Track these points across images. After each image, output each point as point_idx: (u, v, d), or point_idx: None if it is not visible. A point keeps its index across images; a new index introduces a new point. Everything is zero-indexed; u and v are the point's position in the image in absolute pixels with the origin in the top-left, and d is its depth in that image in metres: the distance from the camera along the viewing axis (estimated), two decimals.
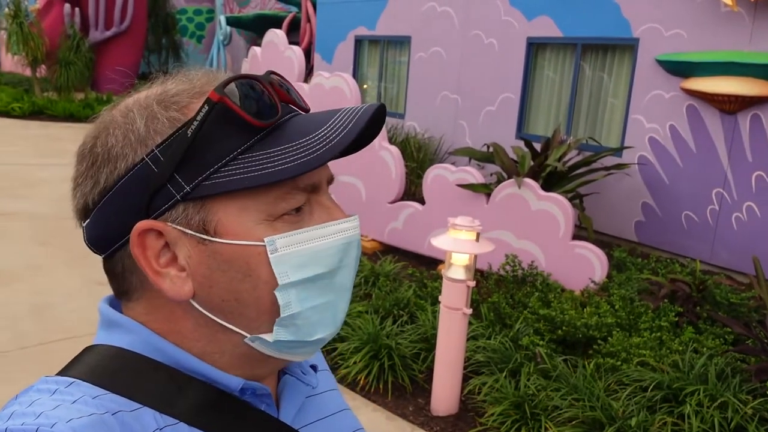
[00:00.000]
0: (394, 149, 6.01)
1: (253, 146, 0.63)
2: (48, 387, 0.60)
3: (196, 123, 0.61)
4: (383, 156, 5.99)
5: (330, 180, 0.71)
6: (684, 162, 6.52)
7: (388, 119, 9.70)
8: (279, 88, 0.67)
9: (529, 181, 5.31)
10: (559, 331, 4.07)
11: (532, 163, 6.25)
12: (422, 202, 5.99)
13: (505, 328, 4.27)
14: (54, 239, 6.31)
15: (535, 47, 7.93)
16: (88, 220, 0.67)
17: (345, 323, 4.18)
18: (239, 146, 0.62)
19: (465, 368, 3.75)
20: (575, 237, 5.26)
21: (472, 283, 3.41)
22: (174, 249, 0.64)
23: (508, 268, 5.15)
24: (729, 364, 3.59)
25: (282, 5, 18.96)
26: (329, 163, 0.68)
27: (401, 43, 9.90)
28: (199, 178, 0.62)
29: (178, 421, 0.63)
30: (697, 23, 6.27)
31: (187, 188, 0.62)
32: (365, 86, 10.80)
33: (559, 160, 6.08)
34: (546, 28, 7.68)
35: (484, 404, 3.58)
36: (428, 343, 4.04)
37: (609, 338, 3.97)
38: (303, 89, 6.31)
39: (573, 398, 3.36)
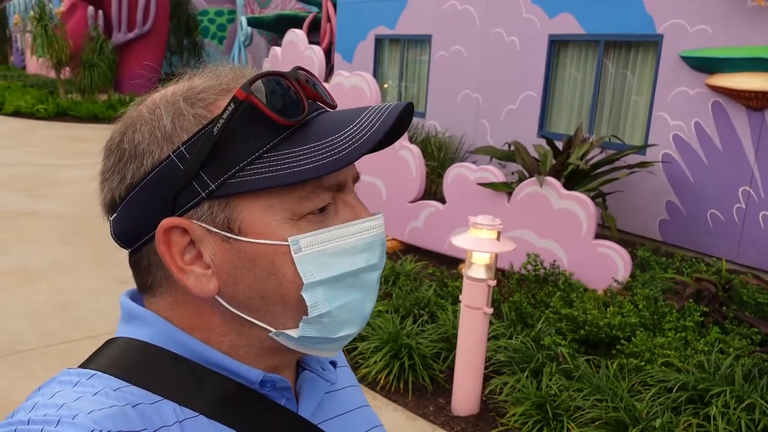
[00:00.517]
0: (415, 148, 5.99)
1: (279, 144, 0.62)
2: (70, 379, 0.61)
3: (222, 121, 0.61)
4: (404, 155, 5.98)
5: (356, 178, 0.71)
6: (709, 160, 6.42)
7: None
8: (305, 85, 0.66)
9: (550, 179, 5.26)
10: (582, 331, 4.02)
11: (553, 161, 6.18)
12: (443, 201, 5.96)
13: (527, 327, 4.22)
14: (77, 239, 6.38)
15: (557, 45, 7.86)
16: (115, 215, 0.67)
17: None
18: (265, 144, 0.62)
19: (486, 368, 3.72)
20: (598, 236, 5.19)
21: (493, 283, 3.37)
22: (199, 246, 0.65)
23: (529, 267, 5.11)
24: (756, 364, 3.52)
25: (302, 5, 19.03)
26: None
27: (422, 41, 9.87)
28: (225, 176, 0.62)
29: (197, 413, 0.63)
30: (723, 18, 6.17)
31: (213, 186, 0.62)
32: (386, 85, 10.78)
33: (582, 158, 6.01)
34: (568, 25, 7.60)
35: (506, 404, 3.54)
36: (449, 342, 4.02)
37: (632, 338, 3.91)
38: None
39: (596, 399, 3.31)
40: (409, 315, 4.41)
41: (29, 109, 14.75)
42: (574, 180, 6.00)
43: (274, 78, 0.64)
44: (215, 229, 0.63)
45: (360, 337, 4.08)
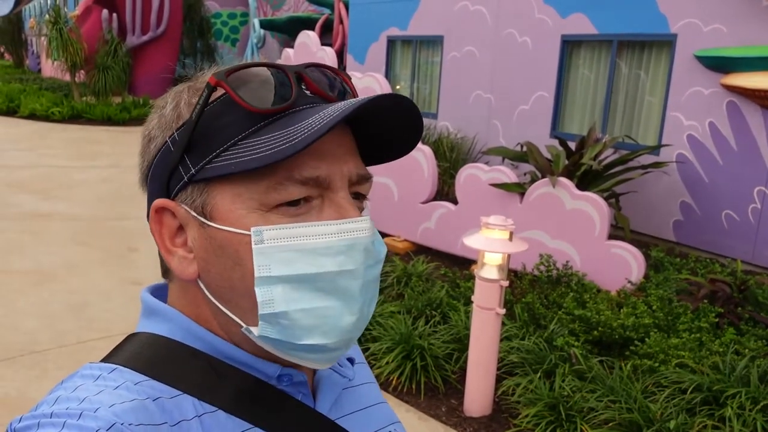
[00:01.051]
0: (427, 149, 5.98)
1: (255, 133, 0.63)
2: (92, 373, 0.62)
3: (198, 106, 0.63)
4: (415, 156, 5.97)
5: (357, 179, 0.67)
6: (724, 160, 6.36)
7: None
8: (309, 79, 0.66)
9: (563, 180, 5.23)
10: (595, 332, 3.99)
11: (566, 162, 6.15)
12: (455, 202, 5.95)
13: (540, 328, 4.21)
14: (91, 239, 6.43)
15: (570, 45, 7.82)
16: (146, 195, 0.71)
17: (377, 323, 4.17)
18: (241, 132, 0.63)
19: (499, 369, 3.71)
20: (612, 237, 5.16)
21: (506, 283, 3.36)
22: (186, 230, 0.67)
23: (542, 268, 5.08)
24: None
25: (315, 7, 19.08)
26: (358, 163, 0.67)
27: (434, 42, 9.87)
28: (203, 162, 0.63)
29: (216, 408, 0.64)
30: (738, 18, 6.11)
31: (193, 170, 0.64)
32: (398, 87, 10.78)
33: (595, 158, 5.98)
34: (581, 25, 7.57)
35: (518, 405, 3.53)
36: (461, 343, 4.01)
37: (646, 339, 3.88)
38: None
39: (609, 400, 3.29)
40: (422, 316, 4.40)
41: (44, 111, 14.89)
42: (587, 180, 5.96)
43: (259, 69, 0.64)
44: (193, 213, 0.65)
45: (372, 338, 4.08)
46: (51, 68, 19.62)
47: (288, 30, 19.21)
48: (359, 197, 0.69)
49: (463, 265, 5.81)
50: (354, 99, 0.64)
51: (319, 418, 0.70)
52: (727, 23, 6.20)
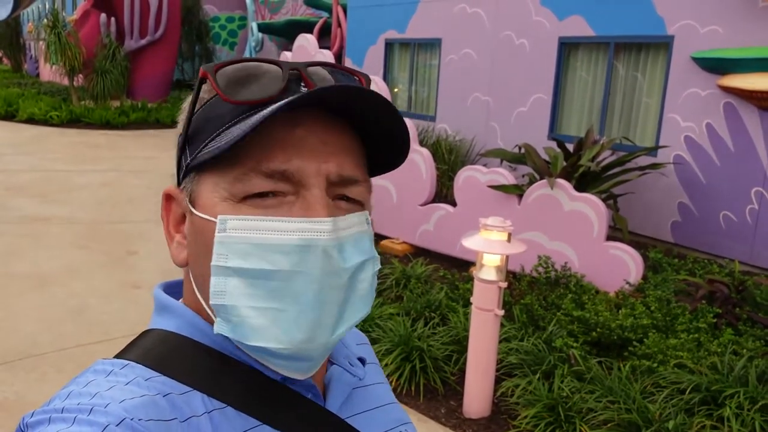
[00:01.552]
0: (425, 151, 6.00)
1: (235, 123, 0.63)
2: (104, 368, 0.63)
3: (193, 98, 0.66)
4: (414, 158, 5.99)
5: (338, 179, 0.65)
6: (721, 161, 6.38)
7: (418, 122, 9.69)
8: (307, 76, 0.65)
9: (561, 181, 5.25)
10: (594, 333, 4.00)
11: (564, 163, 6.17)
12: (454, 204, 5.97)
13: (538, 330, 4.22)
14: (91, 243, 6.44)
15: (567, 47, 7.85)
16: None
17: (376, 325, 4.18)
18: (225, 123, 0.64)
19: (498, 370, 3.72)
20: (610, 238, 5.17)
21: (504, 284, 3.37)
22: (186, 217, 0.69)
23: (540, 269, 5.10)
24: None
25: (313, 11, 19.09)
26: (351, 165, 0.66)
27: (432, 45, 9.89)
28: (196, 151, 0.65)
29: (225, 405, 0.64)
30: (734, 19, 6.14)
31: (188, 159, 0.67)
32: (396, 89, 10.80)
33: (593, 160, 6.00)
34: (578, 27, 7.59)
35: (517, 407, 3.54)
36: (460, 345, 4.02)
37: (645, 340, 3.90)
38: None
39: (608, 401, 3.30)
40: (420, 317, 4.41)
41: (43, 116, 14.89)
42: (585, 182, 5.98)
43: (248, 63, 0.65)
44: (186, 201, 0.67)
45: (371, 340, 4.08)
46: (49, 72, 19.63)
47: (286, 33, 19.23)
48: (348, 200, 0.66)
49: (462, 267, 5.83)
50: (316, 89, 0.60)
51: (329, 417, 0.70)
52: (724, 25, 6.22)
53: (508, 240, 3.37)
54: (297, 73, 0.65)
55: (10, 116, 15.47)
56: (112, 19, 16.94)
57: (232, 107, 0.64)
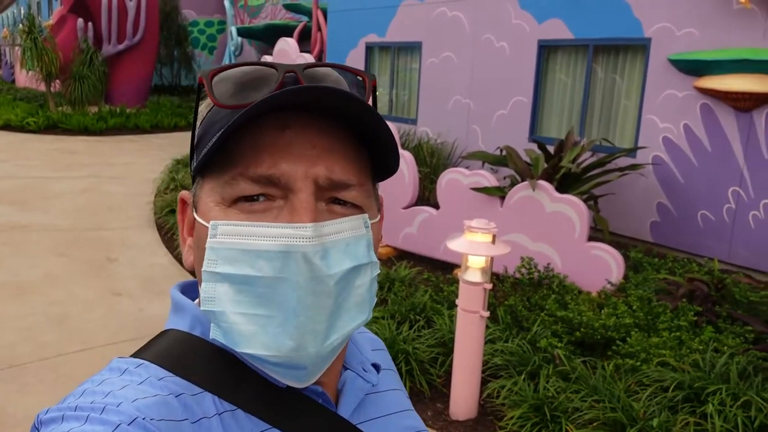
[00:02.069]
0: (407, 154, 6.01)
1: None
2: (119, 366, 0.64)
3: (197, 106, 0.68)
4: None
5: (328, 183, 0.63)
6: (699, 161, 6.47)
7: (400, 125, 9.72)
8: (302, 79, 0.65)
9: (543, 183, 5.29)
10: (577, 333, 4.04)
11: (545, 165, 6.22)
12: (436, 207, 5.98)
13: (523, 330, 4.24)
14: (71, 251, 6.36)
15: (547, 50, 7.91)
16: None
17: None
18: (222, 128, 0.63)
19: (483, 372, 3.73)
20: (591, 239, 5.22)
21: (489, 286, 3.39)
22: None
23: (523, 270, 5.13)
24: (751, 362, 3.55)
25: (292, 15, 19.07)
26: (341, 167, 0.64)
27: (412, 48, 9.92)
28: (200, 157, 0.65)
29: (236, 407, 0.64)
30: (710, 21, 6.23)
31: (195, 164, 0.67)
32: (377, 93, 10.80)
33: (573, 161, 6.05)
34: (557, 30, 7.66)
35: (504, 408, 3.55)
36: (445, 347, 4.03)
37: (628, 339, 3.94)
38: None
39: (593, 400, 3.33)
40: (405, 320, 4.42)
41: (19, 122, 14.69)
42: (566, 183, 6.03)
43: (244, 67, 0.65)
44: (191, 205, 0.69)
45: None
46: (25, 78, 19.39)
47: (265, 37, 19.18)
48: (342, 203, 0.65)
49: (446, 269, 5.84)
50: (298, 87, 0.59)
51: (340, 422, 0.69)
52: (700, 27, 6.32)
53: (493, 242, 3.39)
54: (293, 76, 0.65)
55: None
56: (89, 24, 16.78)
57: (228, 112, 0.64)
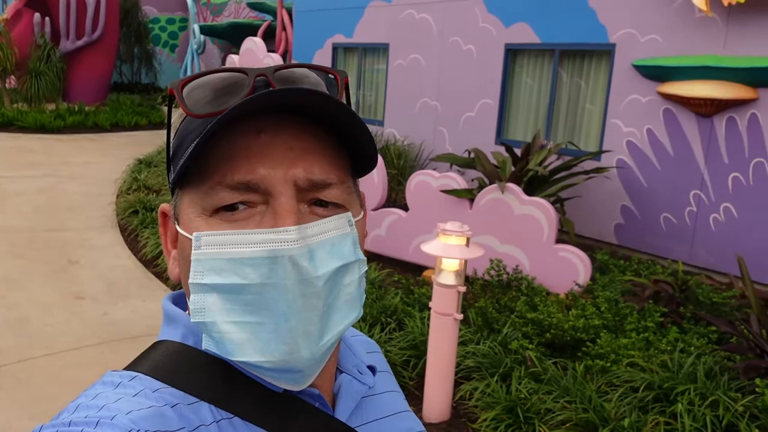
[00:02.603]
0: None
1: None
2: (113, 380, 0.64)
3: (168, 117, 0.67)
4: None
5: (308, 184, 0.63)
6: (662, 165, 6.61)
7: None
8: (272, 81, 0.64)
9: (512, 185, 5.33)
10: (548, 335, 4.07)
11: (513, 168, 6.27)
12: (404, 208, 5.98)
13: (493, 332, 4.26)
14: (29, 252, 6.17)
15: (514, 53, 7.99)
16: None
17: None
18: (196, 137, 0.63)
19: (456, 374, 3.74)
20: (558, 241, 5.28)
21: (463, 289, 3.39)
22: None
23: (493, 272, 5.16)
24: (717, 362, 3.63)
25: (256, 14, 18.90)
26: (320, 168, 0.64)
27: (379, 50, 9.91)
28: (176, 167, 0.65)
29: (233, 415, 0.64)
30: (673, 28, 6.37)
31: (173, 175, 0.66)
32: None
33: (540, 164, 6.12)
34: (524, 34, 7.74)
35: (476, 409, 3.56)
36: (417, 349, 4.02)
37: (597, 340, 3.99)
38: None
39: (565, 401, 3.36)
40: (377, 323, 4.40)
41: None
42: (533, 186, 6.09)
43: (213, 75, 0.64)
44: (172, 217, 0.68)
45: None
46: None
47: (229, 36, 18.97)
48: (324, 204, 0.64)
49: (416, 271, 5.84)
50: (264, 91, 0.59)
51: (337, 426, 0.69)
52: (663, 34, 6.45)
53: (467, 244, 3.40)
54: (264, 79, 0.64)
55: None
56: (47, 19, 16.33)
57: (201, 121, 0.64)
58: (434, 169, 6.30)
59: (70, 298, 5.11)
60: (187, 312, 0.71)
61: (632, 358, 3.70)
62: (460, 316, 3.41)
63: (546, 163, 6.62)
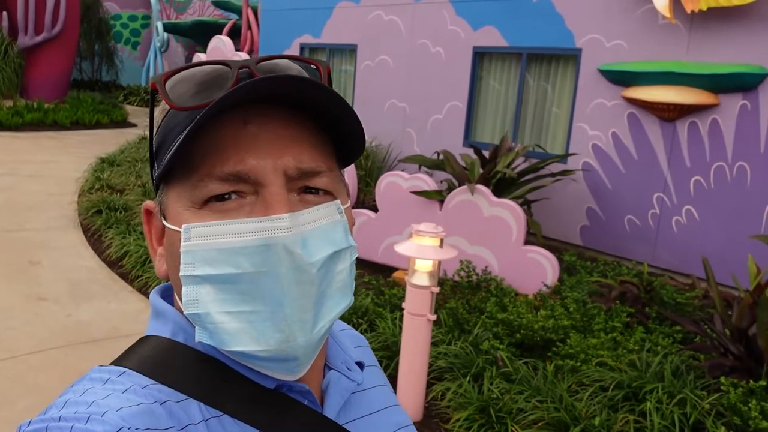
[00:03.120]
0: None
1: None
2: (101, 376, 0.62)
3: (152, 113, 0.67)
4: None
5: (297, 173, 0.63)
6: (626, 168, 6.74)
7: None
8: (256, 72, 0.64)
9: (481, 187, 5.37)
10: (518, 335, 4.11)
11: (481, 170, 6.33)
12: (373, 209, 5.98)
13: (464, 333, 4.29)
14: None
15: (481, 56, 8.06)
16: None
17: None
18: (181, 131, 0.63)
19: (428, 374, 3.75)
20: (526, 242, 5.34)
21: (437, 289, 3.41)
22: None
23: (462, 273, 5.19)
24: (683, 361, 3.71)
25: (221, 12, 18.71)
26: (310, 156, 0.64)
27: (347, 51, 9.90)
28: (161, 162, 0.64)
29: (222, 413, 0.63)
30: (637, 34, 6.50)
31: (156, 171, 0.66)
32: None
33: (508, 166, 6.18)
34: (492, 37, 7.82)
35: (449, 410, 3.58)
36: (389, 350, 4.02)
37: (567, 340, 4.05)
38: None
39: (537, 400, 3.40)
40: (348, 324, 4.38)
41: None
42: (501, 188, 6.15)
43: (195, 68, 0.64)
44: (159, 214, 0.68)
45: None
46: None
47: (193, 34, 18.74)
48: (314, 191, 0.65)
49: (386, 272, 5.84)
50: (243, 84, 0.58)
51: (327, 423, 0.69)
52: (628, 40, 6.58)
53: (440, 245, 3.41)
54: (248, 71, 0.64)
55: None
56: (5, 13, 15.90)
57: (186, 115, 0.63)
58: (403, 170, 6.31)
59: (32, 300, 4.98)
60: (175, 307, 0.70)
61: (601, 358, 3.76)
62: (434, 317, 3.43)
63: (513, 166, 6.69)
